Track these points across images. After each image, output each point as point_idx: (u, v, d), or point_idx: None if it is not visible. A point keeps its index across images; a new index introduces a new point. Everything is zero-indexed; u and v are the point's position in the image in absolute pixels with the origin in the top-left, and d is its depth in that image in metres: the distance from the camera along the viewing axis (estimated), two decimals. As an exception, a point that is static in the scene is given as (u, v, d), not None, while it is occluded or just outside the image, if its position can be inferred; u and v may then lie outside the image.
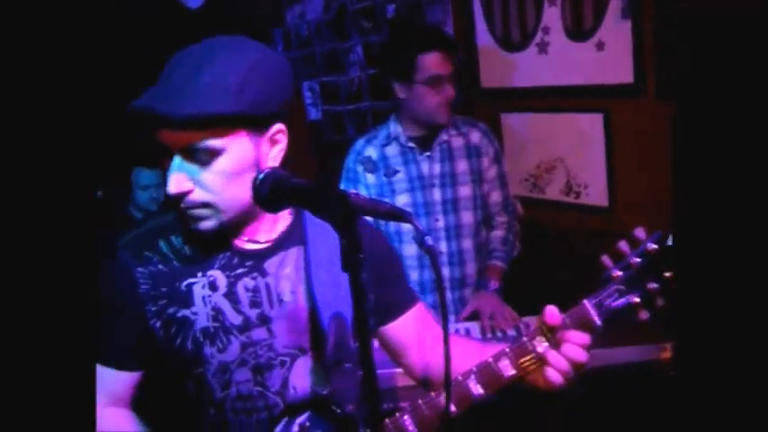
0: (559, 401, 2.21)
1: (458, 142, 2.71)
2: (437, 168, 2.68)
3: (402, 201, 2.67)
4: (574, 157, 3.14)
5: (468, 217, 2.72)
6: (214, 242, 1.35)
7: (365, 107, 4.15)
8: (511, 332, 2.50)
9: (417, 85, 2.53)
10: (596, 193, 3.07)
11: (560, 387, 1.31)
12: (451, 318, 2.69)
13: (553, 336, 1.31)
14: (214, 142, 1.21)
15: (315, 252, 1.40)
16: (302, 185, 1.15)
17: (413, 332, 1.52)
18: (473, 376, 1.35)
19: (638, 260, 1.26)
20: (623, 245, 1.28)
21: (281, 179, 1.18)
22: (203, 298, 1.35)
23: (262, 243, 1.38)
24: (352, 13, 4.05)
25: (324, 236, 1.39)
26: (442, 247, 2.70)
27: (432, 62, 2.51)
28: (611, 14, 2.81)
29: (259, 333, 1.37)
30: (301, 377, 1.40)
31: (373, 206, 1.06)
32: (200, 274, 1.35)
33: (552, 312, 1.31)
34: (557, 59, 3.06)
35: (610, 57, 2.84)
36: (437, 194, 2.68)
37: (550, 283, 3.40)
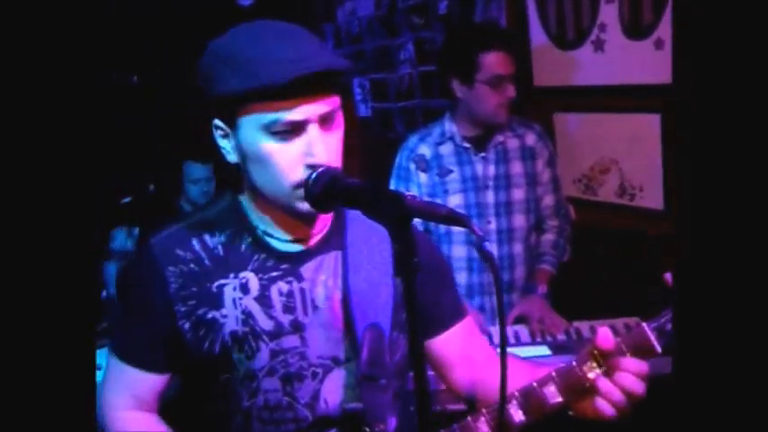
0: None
1: (513, 144, 2.66)
2: (492, 170, 2.63)
3: (454, 201, 2.63)
4: (628, 159, 3.06)
5: (520, 220, 2.67)
6: (251, 242, 1.32)
7: (415, 105, 4.12)
8: (561, 337, 2.45)
9: (478, 85, 2.48)
10: (651, 196, 2.99)
11: (611, 419, 1.19)
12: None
13: (606, 362, 1.18)
14: (338, 104, 1.23)
15: (354, 258, 1.35)
16: (356, 185, 1.13)
17: (460, 347, 1.46)
18: (515, 401, 1.25)
19: None
20: None
21: (336, 178, 1.16)
22: (234, 300, 1.30)
23: (300, 245, 1.34)
24: (403, 9, 4.02)
25: (365, 241, 1.36)
26: (493, 249, 2.65)
27: (493, 61, 2.46)
28: (671, 11, 2.72)
29: (291, 340, 1.32)
30: (334, 391, 1.34)
31: (431, 209, 1.02)
32: (231, 276, 1.31)
33: (606, 336, 1.18)
34: (613, 58, 2.98)
35: (668, 54, 2.74)
36: (490, 196, 2.64)
37: (602, 288, 3.35)
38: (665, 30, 2.75)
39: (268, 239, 1.33)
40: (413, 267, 0.97)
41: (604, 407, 1.18)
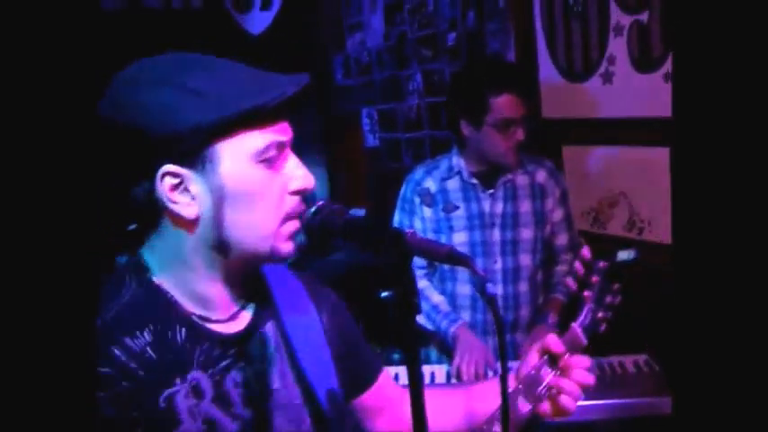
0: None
1: (523, 181, 2.59)
2: (499, 208, 2.57)
3: (459, 239, 2.57)
4: (637, 192, 3.02)
5: (526, 260, 2.61)
6: (186, 333, 1.09)
7: (423, 135, 4.11)
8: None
9: (487, 127, 2.41)
10: (660, 230, 2.94)
11: (571, 413, 1.32)
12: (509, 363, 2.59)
13: (556, 364, 1.33)
14: None
15: (289, 322, 1.21)
16: (359, 219, 1.06)
17: (384, 394, 1.42)
18: (496, 422, 1.33)
19: (596, 278, 1.34)
20: (579, 267, 1.35)
21: (336, 210, 1.07)
22: (190, 410, 1.06)
23: (239, 320, 1.15)
24: (412, 41, 4.03)
25: (291, 297, 1.25)
26: (498, 289, 2.59)
27: (504, 105, 2.38)
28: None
29: None
30: None
31: (432, 247, 0.98)
32: (178, 381, 1.06)
33: (555, 341, 1.32)
34: (622, 90, 2.95)
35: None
36: (497, 235, 2.57)
37: (609, 322, 3.29)
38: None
39: (207, 326, 1.11)
40: (414, 309, 0.93)
41: (567, 402, 1.31)
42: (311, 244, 1.11)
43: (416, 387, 0.94)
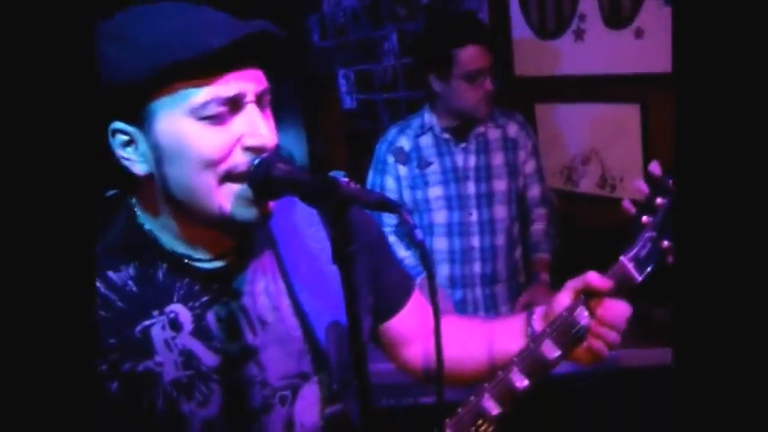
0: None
1: (494, 134, 2.65)
2: (472, 161, 2.62)
3: (435, 194, 2.62)
4: (609, 150, 3.05)
5: (502, 212, 2.66)
6: (167, 269, 1.11)
7: (400, 96, 4.10)
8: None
9: (454, 80, 2.46)
10: (632, 187, 2.96)
11: (604, 359, 1.20)
12: (482, 315, 2.66)
13: (593, 305, 1.18)
14: (269, 89, 1.07)
15: (289, 252, 1.19)
16: (294, 172, 1.01)
17: (413, 323, 1.36)
18: (515, 368, 1.19)
19: (663, 200, 1.12)
20: (642, 185, 1.15)
21: (273, 162, 1.02)
22: (166, 342, 1.08)
23: (226, 257, 1.14)
24: (386, 0, 3.99)
25: (293, 229, 1.21)
26: (475, 242, 2.65)
27: (469, 56, 2.43)
28: (651, 0, 2.69)
29: (246, 370, 1.12)
30: (308, 410, 1.17)
31: (364, 195, 0.96)
32: (155, 314, 1.08)
33: (597, 277, 1.17)
34: (593, 47, 2.97)
35: (649, 45, 2.74)
36: (471, 188, 2.62)
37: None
38: (644, 19, 2.74)
39: (188, 262, 1.12)
40: (350, 256, 0.92)
41: (601, 348, 1.19)
42: (257, 197, 1.06)
43: (356, 340, 0.95)
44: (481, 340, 1.33)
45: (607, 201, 3.07)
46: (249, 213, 1.05)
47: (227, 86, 0.99)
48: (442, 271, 2.65)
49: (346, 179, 0.95)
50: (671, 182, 1.12)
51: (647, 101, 2.83)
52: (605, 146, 3.06)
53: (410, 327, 1.37)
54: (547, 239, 2.73)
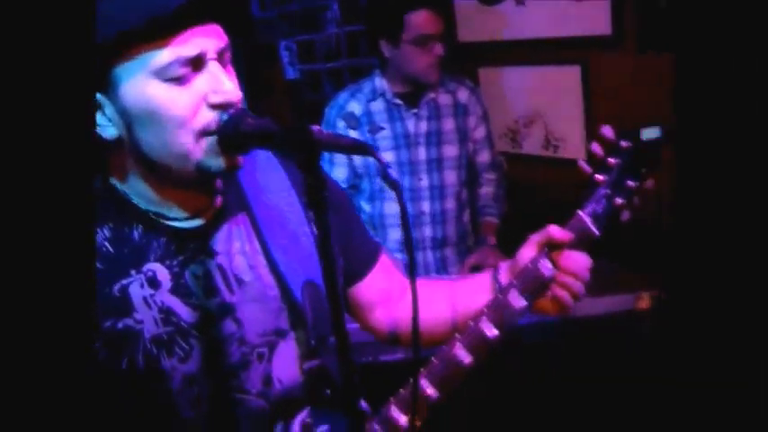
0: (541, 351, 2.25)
1: (445, 100, 2.69)
2: (423, 126, 2.66)
3: (386, 159, 2.63)
4: (552, 111, 3.13)
5: (452, 177, 2.71)
6: (143, 229, 1.13)
7: (343, 65, 4.10)
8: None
9: (405, 45, 2.48)
10: (574, 148, 3.07)
11: (570, 310, 1.26)
12: (434, 277, 2.71)
13: (556, 257, 1.24)
14: (229, 45, 1.08)
15: (263, 214, 1.22)
16: (265, 122, 1.03)
17: (381, 286, 1.41)
18: (485, 318, 1.24)
19: (616, 160, 1.20)
20: (596, 147, 1.21)
21: (243, 116, 1.05)
22: (145, 299, 1.11)
23: (201, 217, 1.17)
24: (327, -31, 3.98)
25: (266, 193, 1.24)
26: (425, 207, 2.70)
27: (420, 21, 2.46)
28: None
29: (224, 327, 1.15)
30: (286, 367, 1.21)
31: (336, 140, 0.98)
32: (133, 272, 1.11)
33: (557, 230, 1.23)
34: (534, 11, 3.03)
35: (587, 8, 2.81)
36: (422, 153, 2.66)
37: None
38: (583, -17, 2.80)
39: (163, 222, 1.14)
40: (324, 200, 0.93)
41: (565, 298, 1.24)
42: (228, 151, 1.08)
43: (331, 286, 0.96)
44: (449, 300, 1.38)
45: (552, 161, 3.16)
46: (218, 163, 1.07)
47: (188, 46, 1.01)
48: (393, 235, 2.69)
49: (316, 127, 0.97)
50: (622, 143, 1.19)
51: (587, 63, 2.91)
52: (548, 108, 3.14)
53: (377, 290, 1.41)
54: (495, 203, 2.80)
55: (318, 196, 0.92)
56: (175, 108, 1.02)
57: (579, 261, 1.24)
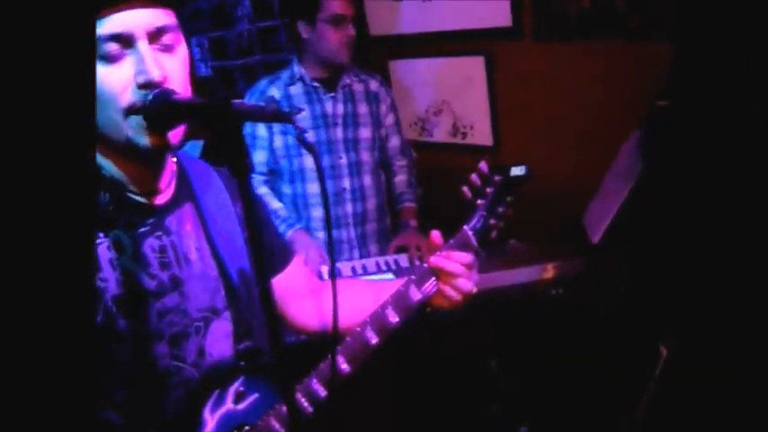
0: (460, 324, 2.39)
1: (359, 87, 2.89)
2: (340, 108, 2.83)
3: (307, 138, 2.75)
4: (459, 100, 3.31)
5: (367, 156, 2.89)
6: (110, 198, 1.21)
7: (256, 61, 4.15)
8: (404, 264, 2.71)
9: (320, 24, 2.67)
10: (481, 134, 3.24)
11: (459, 305, 1.46)
12: (355, 253, 2.88)
13: (440, 257, 1.45)
14: (174, 23, 1.13)
15: (206, 209, 1.34)
16: (188, 97, 1.10)
17: (298, 282, 1.54)
18: (389, 306, 1.43)
19: (490, 189, 1.45)
20: (474, 178, 1.46)
21: (168, 93, 1.10)
22: (110, 261, 1.19)
23: (158, 197, 1.26)
24: (238, -35, 4.03)
25: (209, 192, 1.36)
26: (345, 183, 2.85)
27: (334, 2, 2.67)
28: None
29: (173, 298, 1.25)
30: (217, 342, 1.31)
31: (258, 110, 1.03)
32: (102, 235, 1.19)
33: (437, 235, 1.47)
34: (440, 5, 3.21)
35: (491, 1, 2.99)
36: (340, 133, 2.83)
37: (440, 219, 3.57)
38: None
39: (127, 194, 1.23)
40: (247, 167, 0.99)
41: (450, 293, 1.44)
42: (155, 128, 1.13)
43: (260, 269, 1.05)
44: (366, 298, 1.50)
45: (460, 147, 3.32)
46: (144, 141, 1.14)
47: (112, 24, 1.07)
48: (316, 213, 2.82)
49: (238, 100, 1.03)
50: (495, 177, 1.44)
51: (491, 53, 3.10)
52: (455, 96, 3.31)
53: (294, 285, 1.53)
54: (410, 189, 3.02)
55: (242, 164, 0.96)
56: (105, 86, 1.09)
57: (461, 259, 1.43)
